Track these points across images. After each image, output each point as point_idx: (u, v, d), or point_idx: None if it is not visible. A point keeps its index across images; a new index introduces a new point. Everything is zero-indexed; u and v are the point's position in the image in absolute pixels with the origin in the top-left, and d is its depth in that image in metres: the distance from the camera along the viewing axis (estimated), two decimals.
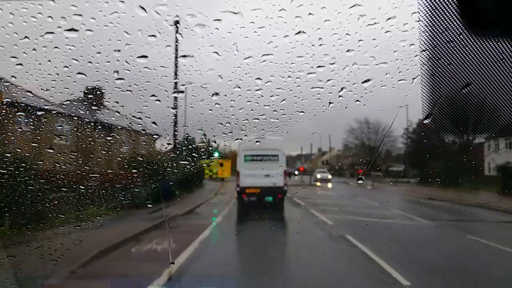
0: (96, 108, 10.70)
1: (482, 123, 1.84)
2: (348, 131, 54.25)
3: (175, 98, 5.29)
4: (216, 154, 15.38)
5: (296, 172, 51.43)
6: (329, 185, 36.47)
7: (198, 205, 16.56)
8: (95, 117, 11.37)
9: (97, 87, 6.99)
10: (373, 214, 15.30)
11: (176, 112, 5.37)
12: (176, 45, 4.70)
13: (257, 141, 9.09)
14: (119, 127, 11.16)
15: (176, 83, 5.12)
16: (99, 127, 11.25)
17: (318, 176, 41.67)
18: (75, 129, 12.46)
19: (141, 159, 10.16)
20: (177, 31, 4.64)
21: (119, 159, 11.73)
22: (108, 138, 10.87)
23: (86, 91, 8.94)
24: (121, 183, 9.17)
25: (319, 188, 32.78)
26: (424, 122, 1.78)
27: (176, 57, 4.80)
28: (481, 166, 30.17)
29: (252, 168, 16.50)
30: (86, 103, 9.83)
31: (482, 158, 30.91)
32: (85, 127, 11.65)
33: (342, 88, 4.29)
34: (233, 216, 15.28)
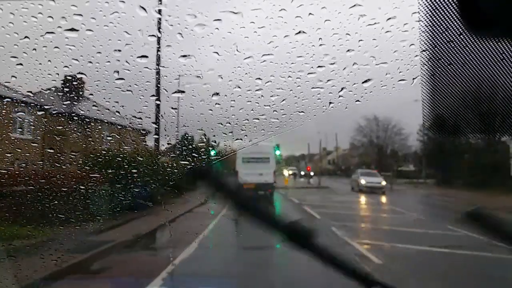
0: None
1: (483, 123, 1.84)
2: (356, 129, 51.29)
3: (157, 76, 5.08)
4: (212, 153, 15.44)
5: (312, 173, 41.04)
6: (383, 198, 22.80)
7: (174, 219, 10.67)
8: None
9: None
10: (427, 236, 10.71)
11: (156, 100, 5.18)
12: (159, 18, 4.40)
13: (258, 142, 9.34)
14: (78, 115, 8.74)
15: (158, 57, 4.89)
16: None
17: (363, 181, 25.61)
18: None
19: (102, 157, 7.42)
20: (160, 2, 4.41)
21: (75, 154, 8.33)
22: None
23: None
24: (71, 187, 6.14)
25: (330, 192, 27.09)
26: (424, 122, 1.78)
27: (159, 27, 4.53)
28: (507, 167, 29.36)
29: (248, 168, 20.57)
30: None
31: (508, 158, 30.04)
32: None
33: (342, 88, 4.29)
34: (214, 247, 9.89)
